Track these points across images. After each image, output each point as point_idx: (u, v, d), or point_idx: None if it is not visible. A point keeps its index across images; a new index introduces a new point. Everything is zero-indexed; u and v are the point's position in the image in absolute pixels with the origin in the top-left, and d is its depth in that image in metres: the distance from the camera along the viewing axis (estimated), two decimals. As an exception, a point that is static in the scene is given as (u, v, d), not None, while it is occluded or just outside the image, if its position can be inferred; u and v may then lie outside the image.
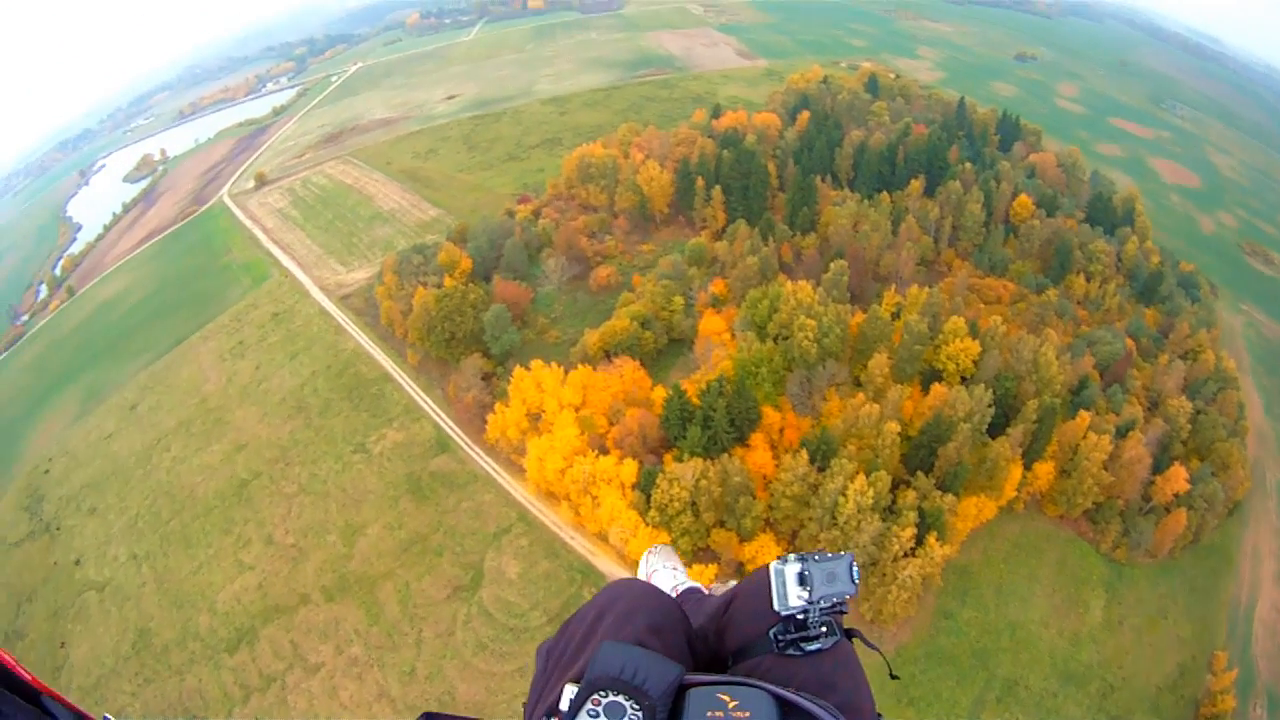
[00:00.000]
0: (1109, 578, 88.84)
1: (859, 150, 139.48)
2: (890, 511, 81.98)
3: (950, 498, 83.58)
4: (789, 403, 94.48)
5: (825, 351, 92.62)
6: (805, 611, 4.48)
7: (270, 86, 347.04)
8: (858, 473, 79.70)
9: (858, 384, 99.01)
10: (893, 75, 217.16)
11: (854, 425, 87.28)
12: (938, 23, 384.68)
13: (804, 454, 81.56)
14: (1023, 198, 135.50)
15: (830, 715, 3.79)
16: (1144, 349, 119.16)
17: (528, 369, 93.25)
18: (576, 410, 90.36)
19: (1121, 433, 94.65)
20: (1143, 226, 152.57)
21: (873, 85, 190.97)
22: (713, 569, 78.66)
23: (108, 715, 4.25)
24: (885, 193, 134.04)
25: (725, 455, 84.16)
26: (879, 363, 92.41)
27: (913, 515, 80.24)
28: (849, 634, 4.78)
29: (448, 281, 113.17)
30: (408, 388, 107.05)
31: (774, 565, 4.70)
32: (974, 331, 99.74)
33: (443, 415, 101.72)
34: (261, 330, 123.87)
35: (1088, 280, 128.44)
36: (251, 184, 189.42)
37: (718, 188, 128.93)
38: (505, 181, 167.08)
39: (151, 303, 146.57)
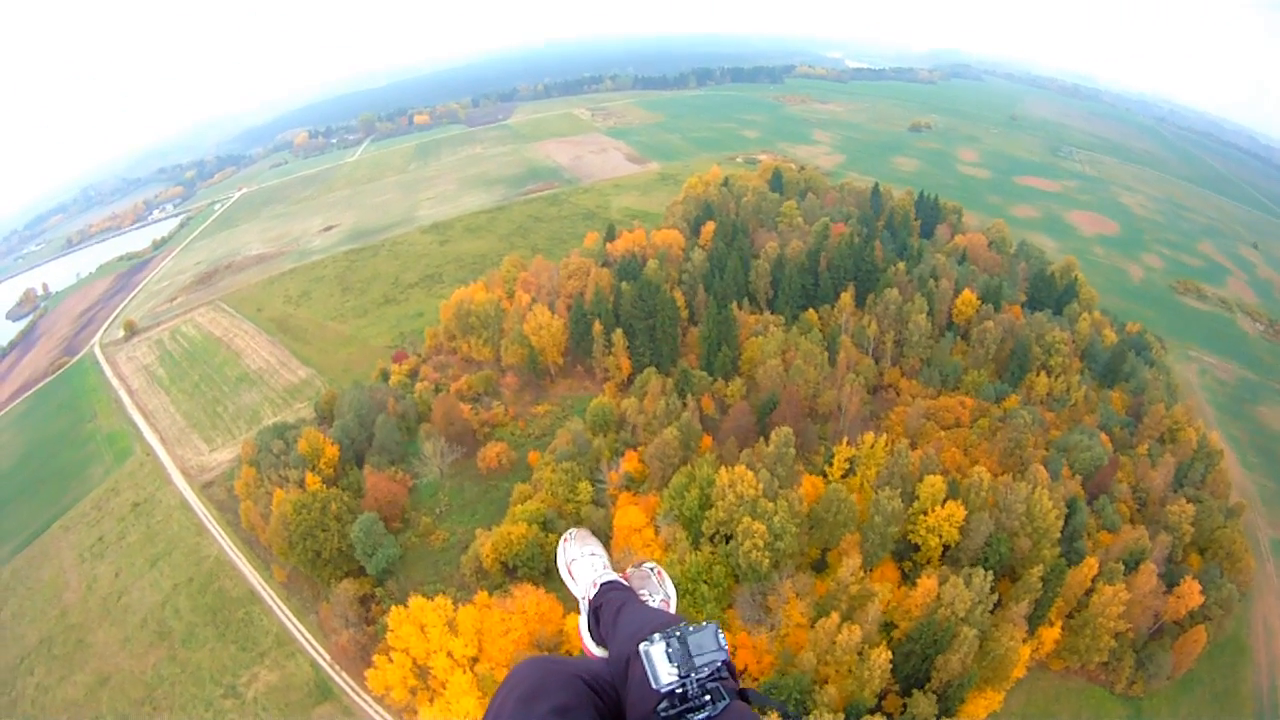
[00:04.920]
0: (1129, 718, 77.75)
1: (776, 264, 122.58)
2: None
3: (961, 724, 66.89)
4: (737, 615, 73.55)
5: (779, 556, 71.96)
6: (683, 685, 4.44)
7: (156, 214, 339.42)
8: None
9: (816, 569, 79.43)
10: (796, 167, 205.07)
11: (828, 652, 66.49)
12: (827, 104, 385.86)
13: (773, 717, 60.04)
14: (966, 294, 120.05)
15: None
16: (1119, 440, 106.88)
17: (406, 603, 75.18)
18: (473, 664, 71.14)
19: (1131, 565, 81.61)
20: (1088, 297, 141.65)
21: (777, 181, 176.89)
22: None
23: None
24: (811, 310, 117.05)
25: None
26: (849, 566, 72.00)
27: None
28: (743, 694, 4.68)
29: (309, 480, 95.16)
30: (277, 611, 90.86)
31: (642, 646, 4.68)
32: (954, 490, 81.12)
33: (319, 649, 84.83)
34: (122, 525, 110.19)
35: (1049, 376, 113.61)
36: (121, 333, 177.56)
37: (619, 331, 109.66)
38: (380, 331, 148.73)
39: (16, 476, 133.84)
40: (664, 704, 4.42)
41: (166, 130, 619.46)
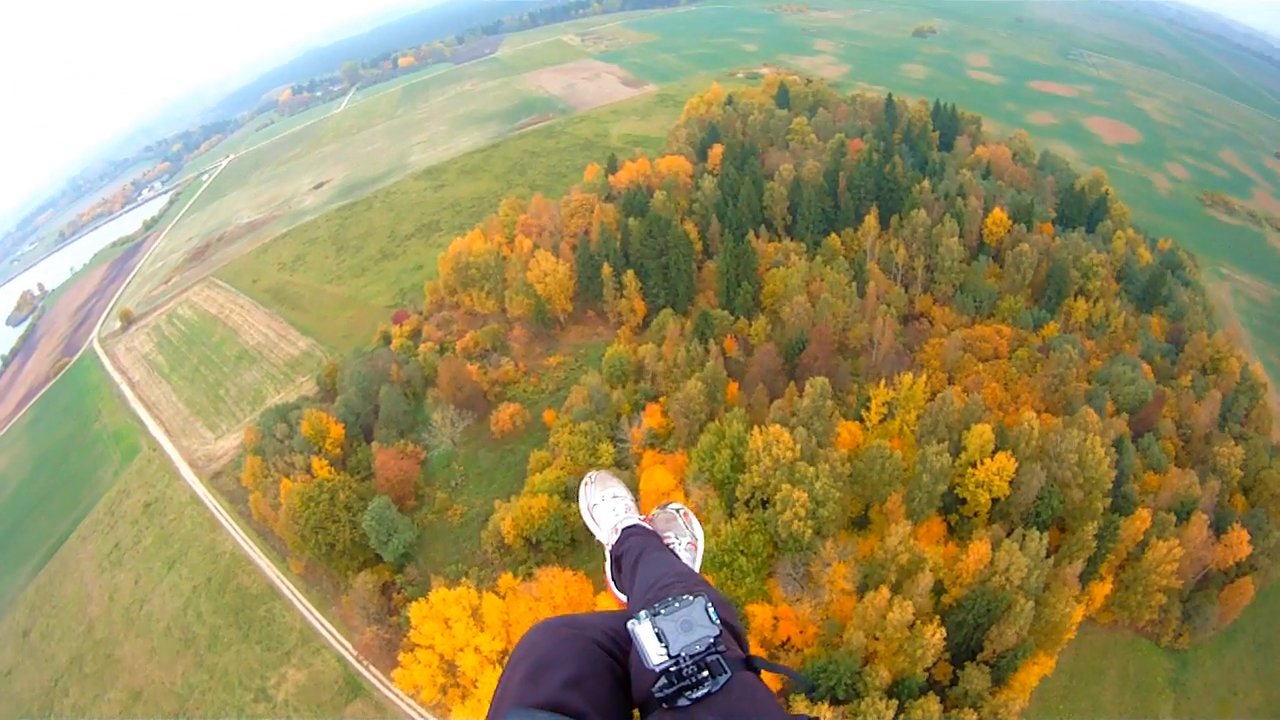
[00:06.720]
0: (1174, 671, 75.87)
1: (793, 187, 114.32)
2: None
3: (1014, 693, 63.96)
4: (779, 585, 68.34)
5: (821, 524, 66.29)
6: (676, 664, 4.13)
7: (146, 193, 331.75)
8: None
9: (858, 526, 74.27)
10: (802, 80, 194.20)
11: (878, 628, 61.53)
12: (825, 11, 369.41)
13: (823, 708, 55.52)
14: (996, 212, 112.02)
15: None
16: (1160, 371, 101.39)
17: (427, 593, 71.63)
18: (502, 658, 67.32)
19: (1182, 515, 76.66)
20: (1120, 213, 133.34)
21: (783, 97, 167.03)
22: None
23: None
24: (834, 235, 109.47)
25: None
26: (897, 534, 66.30)
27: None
28: (748, 663, 4.41)
29: (316, 465, 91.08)
30: (299, 606, 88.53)
31: (630, 624, 4.39)
32: (1002, 439, 75.28)
33: (344, 643, 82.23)
34: (136, 528, 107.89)
35: (1088, 300, 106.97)
36: (118, 324, 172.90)
37: (629, 271, 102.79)
38: (379, 289, 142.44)
39: (29, 490, 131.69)
40: (660, 682, 4.06)
41: (150, 106, 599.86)
